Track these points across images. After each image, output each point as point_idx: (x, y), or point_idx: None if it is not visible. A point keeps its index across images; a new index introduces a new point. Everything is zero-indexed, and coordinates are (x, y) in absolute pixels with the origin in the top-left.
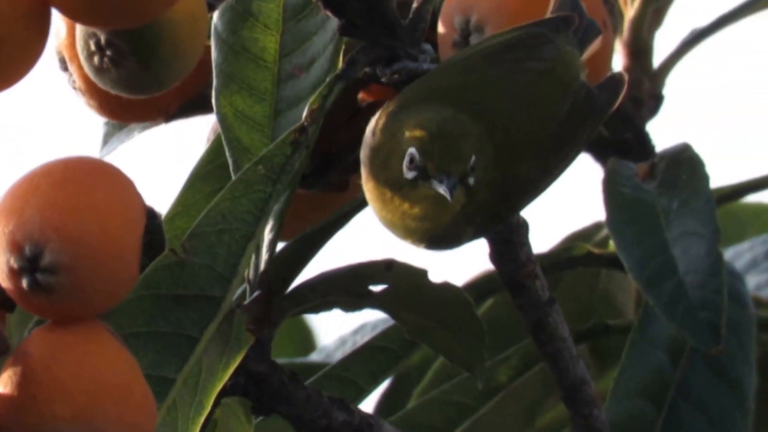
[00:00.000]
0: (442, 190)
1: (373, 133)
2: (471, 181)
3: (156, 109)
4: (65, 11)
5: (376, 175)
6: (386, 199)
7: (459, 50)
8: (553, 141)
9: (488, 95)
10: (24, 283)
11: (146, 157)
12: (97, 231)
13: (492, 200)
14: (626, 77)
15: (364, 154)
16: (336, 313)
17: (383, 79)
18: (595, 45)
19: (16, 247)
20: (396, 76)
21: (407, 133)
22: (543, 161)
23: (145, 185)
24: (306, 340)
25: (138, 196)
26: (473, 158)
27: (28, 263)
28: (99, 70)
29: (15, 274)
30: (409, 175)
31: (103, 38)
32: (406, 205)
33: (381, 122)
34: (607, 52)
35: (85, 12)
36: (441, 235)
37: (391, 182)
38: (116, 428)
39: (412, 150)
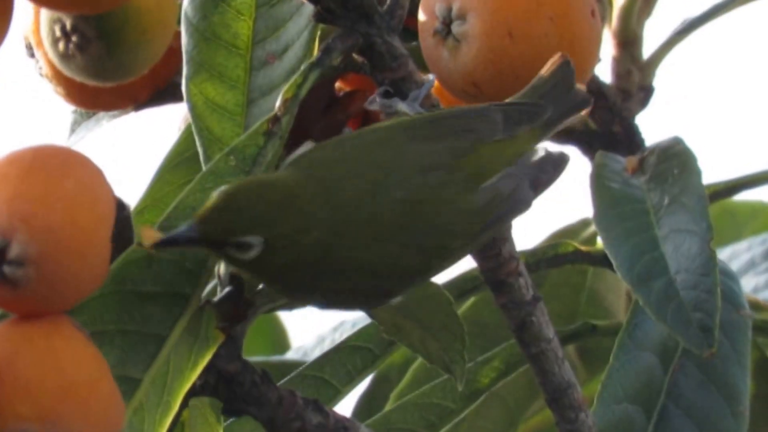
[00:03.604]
0: None
1: None
2: None
3: (125, 98)
4: None
5: None
6: None
7: (438, 41)
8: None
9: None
10: None
11: (115, 146)
12: (67, 222)
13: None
14: (567, 159)
15: None
16: (311, 311)
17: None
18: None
19: None
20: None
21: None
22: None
23: (114, 176)
24: (279, 338)
25: (108, 187)
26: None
27: None
28: (64, 56)
29: None
30: None
31: (68, 24)
32: None
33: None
34: (595, 42)
35: None
36: None
37: None
38: (82, 428)
39: None
